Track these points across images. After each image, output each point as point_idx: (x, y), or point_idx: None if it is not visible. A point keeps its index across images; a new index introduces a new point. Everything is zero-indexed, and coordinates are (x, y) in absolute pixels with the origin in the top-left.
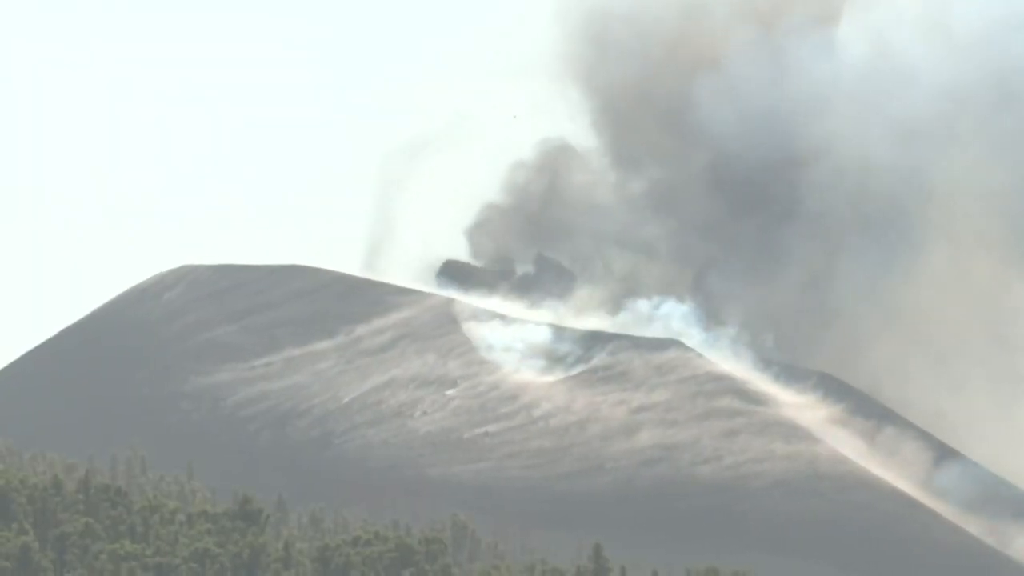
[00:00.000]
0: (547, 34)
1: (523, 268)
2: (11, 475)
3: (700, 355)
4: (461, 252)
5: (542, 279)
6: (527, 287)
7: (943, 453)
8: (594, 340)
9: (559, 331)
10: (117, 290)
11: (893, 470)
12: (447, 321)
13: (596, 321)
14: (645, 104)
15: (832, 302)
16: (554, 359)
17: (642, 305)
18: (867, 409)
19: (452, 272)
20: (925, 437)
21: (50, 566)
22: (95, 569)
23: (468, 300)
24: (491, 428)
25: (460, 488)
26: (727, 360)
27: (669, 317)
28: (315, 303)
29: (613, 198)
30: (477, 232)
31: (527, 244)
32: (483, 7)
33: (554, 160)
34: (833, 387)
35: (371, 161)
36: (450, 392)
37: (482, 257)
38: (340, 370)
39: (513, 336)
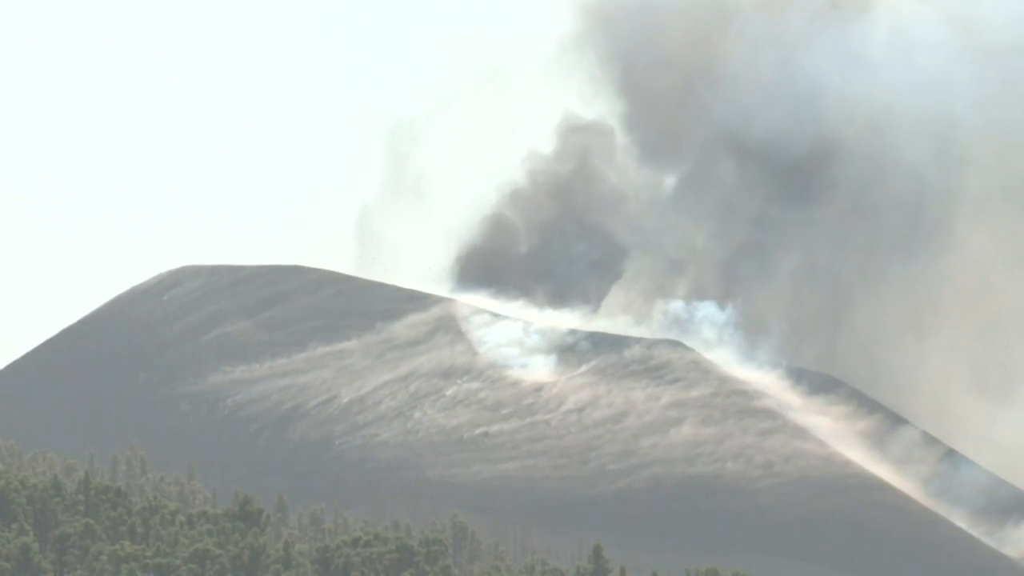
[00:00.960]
0: (559, 24)
1: (563, 245)
2: (11, 475)
3: (702, 356)
4: (474, 240)
5: (585, 262)
6: (551, 281)
7: (951, 456)
8: (599, 341)
9: (562, 332)
10: (117, 290)
11: (899, 473)
12: (451, 322)
13: (617, 323)
14: (663, 88)
15: (853, 306)
16: (557, 360)
17: (677, 308)
18: (876, 411)
19: (470, 269)
20: (934, 441)
21: (50, 567)
22: (95, 570)
23: (473, 300)
24: (490, 430)
25: (460, 489)
26: (734, 363)
27: (704, 322)
28: (316, 304)
29: (640, 193)
30: (501, 217)
31: (558, 228)
32: (483, 6)
33: (579, 146)
34: (839, 390)
35: (373, 158)
36: (449, 393)
37: (505, 240)
38: (340, 371)
39: (516, 336)
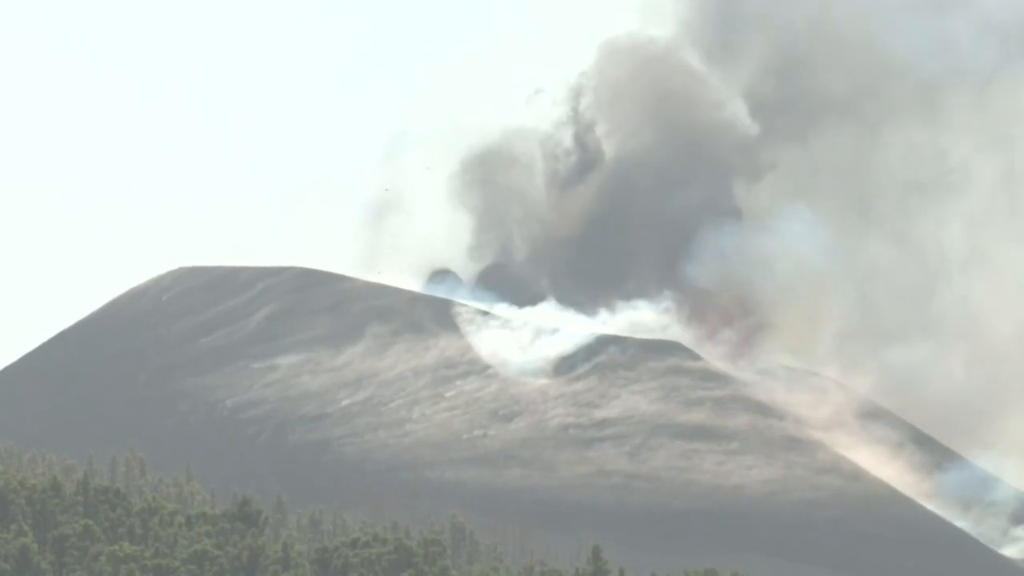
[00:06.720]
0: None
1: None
2: (10, 476)
3: (698, 357)
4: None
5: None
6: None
7: (953, 458)
8: (594, 344)
9: (564, 333)
10: (116, 292)
11: (900, 474)
12: (450, 323)
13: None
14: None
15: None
16: (554, 363)
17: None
18: (879, 415)
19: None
20: (935, 443)
21: (49, 568)
22: (94, 571)
23: (472, 301)
24: (489, 431)
25: (459, 490)
26: (736, 364)
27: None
28: (316, 305)
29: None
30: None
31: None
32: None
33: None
34: (840, 391)
35: (372, 157)
36: (449, 395)
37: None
38: (339, 373)
39: (516, 337)
